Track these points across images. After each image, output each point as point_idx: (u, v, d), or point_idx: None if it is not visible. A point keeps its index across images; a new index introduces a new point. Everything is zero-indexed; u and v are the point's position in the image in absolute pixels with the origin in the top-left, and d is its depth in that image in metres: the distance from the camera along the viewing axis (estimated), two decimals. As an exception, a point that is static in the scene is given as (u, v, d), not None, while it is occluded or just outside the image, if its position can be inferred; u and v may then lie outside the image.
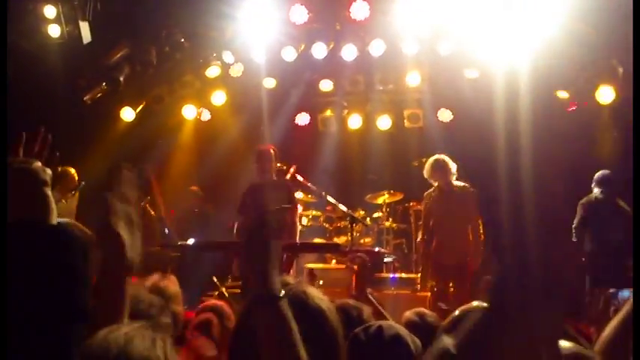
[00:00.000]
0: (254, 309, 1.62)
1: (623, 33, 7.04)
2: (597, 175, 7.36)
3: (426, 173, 7.23)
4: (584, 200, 7.23)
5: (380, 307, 3.23)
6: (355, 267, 3.72)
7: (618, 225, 7.06)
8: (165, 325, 2.24)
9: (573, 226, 7.18)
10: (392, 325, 2.45)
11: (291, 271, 7.00)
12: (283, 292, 1.61)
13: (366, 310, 2.78)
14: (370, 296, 3.43)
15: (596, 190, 7.29)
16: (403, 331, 2.37)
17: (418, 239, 7.36)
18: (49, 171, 1.78)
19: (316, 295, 1.82)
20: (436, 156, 7.23)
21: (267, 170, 7.12)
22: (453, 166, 7.10)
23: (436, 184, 7.22)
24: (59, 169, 5.94)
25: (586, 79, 8.10)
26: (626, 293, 3.68)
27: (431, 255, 7.12)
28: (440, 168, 7.09)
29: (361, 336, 2.27)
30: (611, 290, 3.52)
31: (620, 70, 7.77)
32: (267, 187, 6.98)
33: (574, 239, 7.21)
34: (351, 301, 2.90)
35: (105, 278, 1.78)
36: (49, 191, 1.75)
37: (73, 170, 7.26)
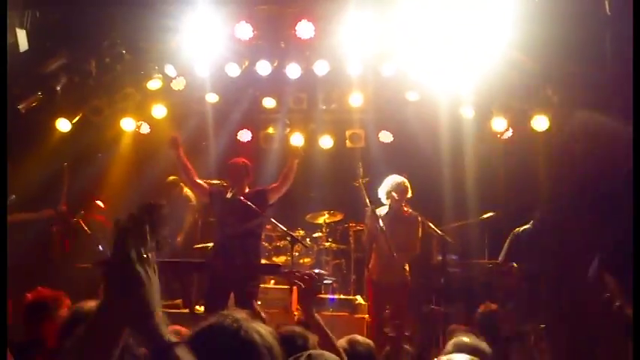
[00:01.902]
0: None
1: (559, 62, 7.30)
2: None
3: (383, 191, 7.24)
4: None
5: (326, 331, 3.19)
6: (298, 287, 3.67)
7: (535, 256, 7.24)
8: None
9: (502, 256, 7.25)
10: (322, 353, 2.43)
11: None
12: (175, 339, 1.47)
13: (312, 339, 2.75)
14: (317, 318, 3.38)
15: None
16: None
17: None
18: None
19: (256, 329, 1.77)
20: (399, 177, 7.26)
21: (237, 185, 7.04)
22: (409, 192, 7.19)
23: (388, 202, 7.24)
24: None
25: (522, 106, 8.33)
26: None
27: (370, 276, 7.14)
28: (401, 191, 7.14)
29: None
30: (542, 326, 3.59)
31: (555, 98, 8.03)
32: (235, 204, 6.91)
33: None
34: (298, 329, 2.87)
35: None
36: None
37: None
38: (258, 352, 1.75)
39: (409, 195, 7.25)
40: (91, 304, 2.56)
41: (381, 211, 7.34)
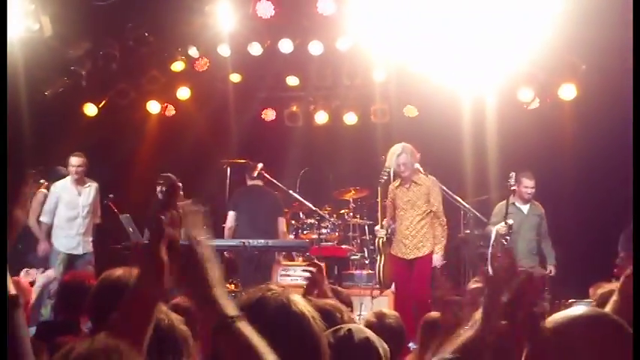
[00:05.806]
0: (214, 336, 1.53)
1: (585, 31, 7.15)
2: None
3: (389, 160, 7.06)
4: None
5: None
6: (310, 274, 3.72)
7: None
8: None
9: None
10: (362, 328, 2.43)
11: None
12: (238, 312, 1.54)
13: (346, 314, 2.77)
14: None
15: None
16: (373, 336, 2.36)
17: (377, 227, 7.26)
18: None
19: (299, 301, 1.79)
20: (403, 144, 7.05)
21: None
22: (418, 157, 7.01)
23: (400, 173, 7.05)
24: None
25: (548, 76, 8.20)
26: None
27: (390, 250, 7.06)
28: (407, 155, 6.95)
29: (330, 339, 2.20)
30: (571, 301, 3.57)
31: (583, 67, 7.88)
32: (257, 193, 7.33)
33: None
34: (332, 303, 2.86)
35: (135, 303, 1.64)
36: None
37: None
38: (308, 322, 1.77)
39: (416, 159, 6.99)
40: (119, 272, 2.56)
41: (395, 185, 7.19)
